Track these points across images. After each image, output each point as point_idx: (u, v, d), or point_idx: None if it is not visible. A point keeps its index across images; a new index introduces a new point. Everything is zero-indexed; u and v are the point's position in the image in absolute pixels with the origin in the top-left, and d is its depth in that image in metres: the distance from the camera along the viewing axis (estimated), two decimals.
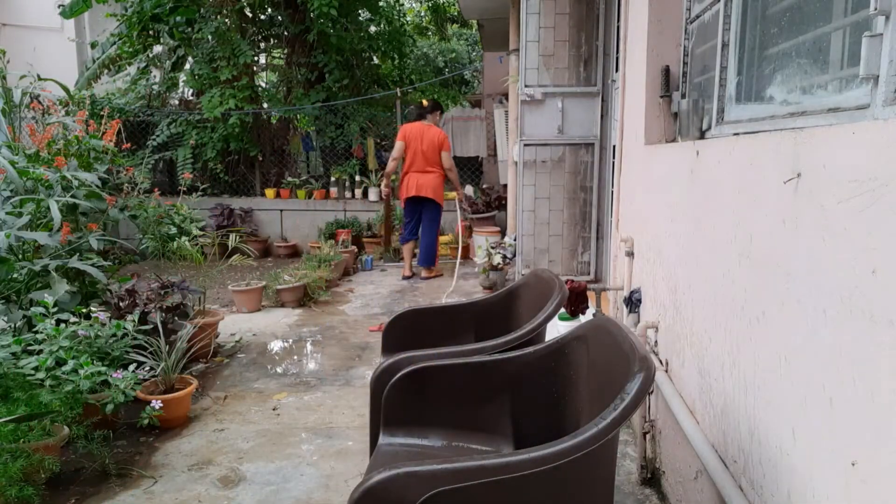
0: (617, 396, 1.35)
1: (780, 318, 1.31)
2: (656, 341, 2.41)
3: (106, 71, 8.66)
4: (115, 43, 8.50)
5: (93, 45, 9.03)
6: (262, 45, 9.45)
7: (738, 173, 1.55)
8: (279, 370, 3.89)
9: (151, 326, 3.26)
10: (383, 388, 1.89)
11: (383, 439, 1.87)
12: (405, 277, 6.59)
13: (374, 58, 10.06)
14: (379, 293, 6.02)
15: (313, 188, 8.57)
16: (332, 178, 8.57)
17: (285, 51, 9.25)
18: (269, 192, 8.66)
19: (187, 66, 8.83)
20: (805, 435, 1.21)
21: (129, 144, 5.65)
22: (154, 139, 8.29)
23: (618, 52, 3.45)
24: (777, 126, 1.57)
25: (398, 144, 6.43)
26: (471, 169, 9.04)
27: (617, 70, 3.64)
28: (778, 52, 1.67)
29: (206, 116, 7.98)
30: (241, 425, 3.08)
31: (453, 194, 8.30)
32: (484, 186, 8.43)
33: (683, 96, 2.47)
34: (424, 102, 6.80)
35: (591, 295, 3.27)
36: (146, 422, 2.86)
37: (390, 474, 1.32)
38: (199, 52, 8.31)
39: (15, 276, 3.20)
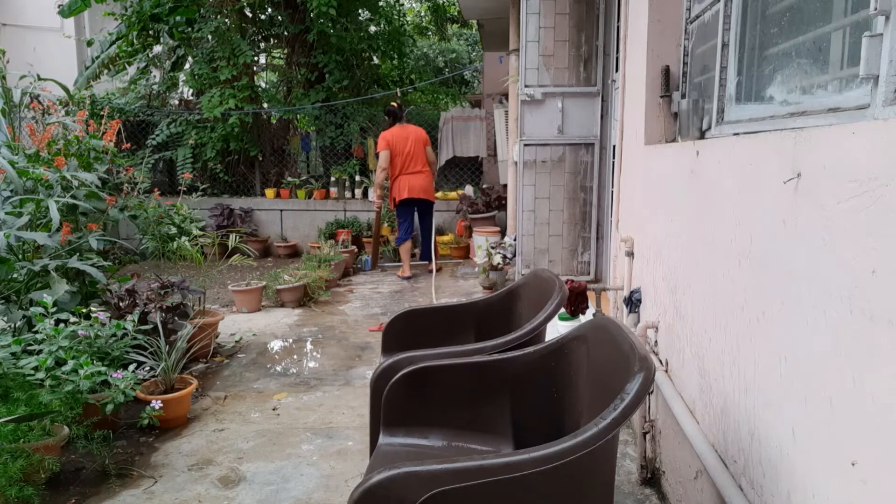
0: (617, 396, 1.35)
1: (780, 318, 1.31)
2: (656, 341, 2.41)
3: (106, 71, 8.65)
4: (114, 42, 8.49)
5: (89, 43, 9.01)
6: (262, 45, 9.44)
7: (738, 173, 1.55)
8: (279, 370, 3.89)
9: (151, 326, 3.26)
10: (383, 388, 1.89)
11: (383, 439, 1.87)
12: (405, 278, 6.60)
13: (374, 58, 10.05)
14: (379, 293, 6.02)
15: (313, 188, 8.57)
16: (332, 178, 8.57)
17: (285, 51, 9.24)
18: (269, 192, 8.66)
19: (187, 66, 8.83)
20: (805, 435, 1.21)
21: (128, 144, 5.65)
22: (154, 139, 8.29)
23: (618, 52, 3.45)
24: (777, 126, 1.57)
25: (384, 154, 6.42)
26: (471, 169, 9.04)
27: (617, 70, 3.64)
28: (778, 52, 1.67)
29: (206, 116, 7.98)
30: (241, 425, 3.08)
31: (453, 194, 8.31)
32: (484, 186, 8.42)
33: (683, 96, 2.47)
34: (395, 104, 6.80)
35: (591, 295, 3.27)
36: (146, 422, 2.86)
37: (390, 474, 1.33)
38: (199, 52, 8.31)
39: (15, 276, 3.20)
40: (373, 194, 6.89)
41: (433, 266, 6.86)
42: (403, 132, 6.53)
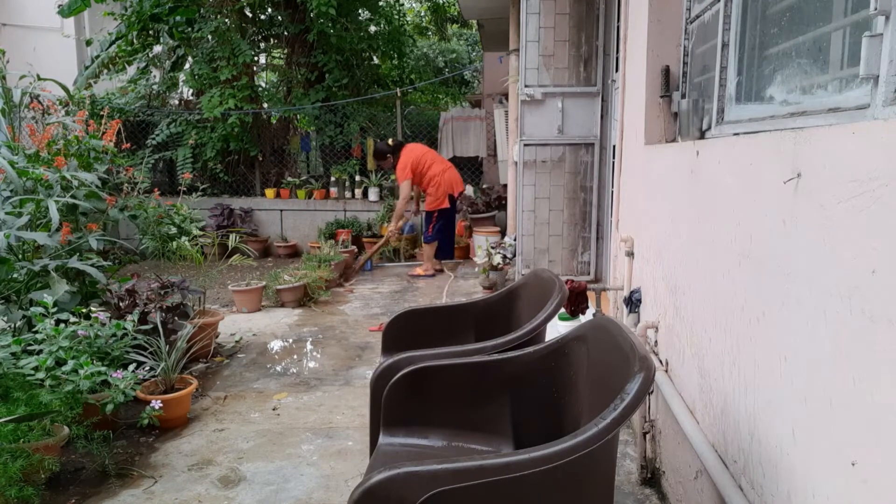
0: (617, 396, 1.35)
1: (780, 318, 1.31)
2: (656, 341, 2.41)
3: (105, 71, 8.65)
4: (114, 42, 8.49)
5: (88, 43, 9.01)
6: (262, 45, 9.44)
7: (739, 173, 1.55)
8: (279, 370, 3.89)
9: (151, 326, 3.26)
10: (383, 388, 1.89)
11: (383, 439, 1.87)
12: (429, 275, 6.73)
13: (374, 58, 10.05)
14: (379, 293, 6.02)
15: (313, 188, 8.56)
16: (332, 178, 8.57)
17: (285, 51, 9.24)
18: (269, 192, 8.66)
19: (187, 66, 8.83)
20: (805, 435, 1.21)
21: (128, 144, 5.65)
22: (154, 139, 8.29)
23: (618, 52, 3.45)
24: (777, 126, 1.57)
25: (407, 185, 6.35)
26: (471, 169, 9.04)
27: (617, 70, 3.64)
28: (778, 52, 1.67)
29: (206, 116, 7.98)
30: (241, 425, 3.08)
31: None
32: (484, 186, 8.42)
33: (683, 96, 2.47)
34: (391, 142, 6.86)
35: (591, 295, 3.27)
36: (146, 422, 2.86)
37: (390, 474, 1.33)
38: (199, 51, 8.31)
39: (15, 276, 3.20)
40: (392, 225, 6.73)
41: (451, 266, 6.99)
42: (414, 149, 6.61)
